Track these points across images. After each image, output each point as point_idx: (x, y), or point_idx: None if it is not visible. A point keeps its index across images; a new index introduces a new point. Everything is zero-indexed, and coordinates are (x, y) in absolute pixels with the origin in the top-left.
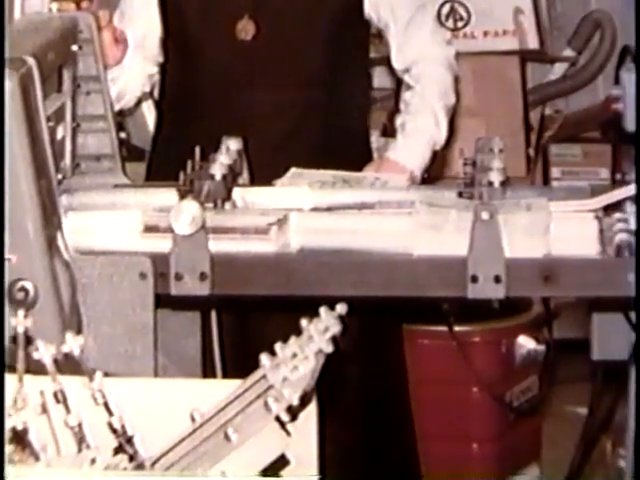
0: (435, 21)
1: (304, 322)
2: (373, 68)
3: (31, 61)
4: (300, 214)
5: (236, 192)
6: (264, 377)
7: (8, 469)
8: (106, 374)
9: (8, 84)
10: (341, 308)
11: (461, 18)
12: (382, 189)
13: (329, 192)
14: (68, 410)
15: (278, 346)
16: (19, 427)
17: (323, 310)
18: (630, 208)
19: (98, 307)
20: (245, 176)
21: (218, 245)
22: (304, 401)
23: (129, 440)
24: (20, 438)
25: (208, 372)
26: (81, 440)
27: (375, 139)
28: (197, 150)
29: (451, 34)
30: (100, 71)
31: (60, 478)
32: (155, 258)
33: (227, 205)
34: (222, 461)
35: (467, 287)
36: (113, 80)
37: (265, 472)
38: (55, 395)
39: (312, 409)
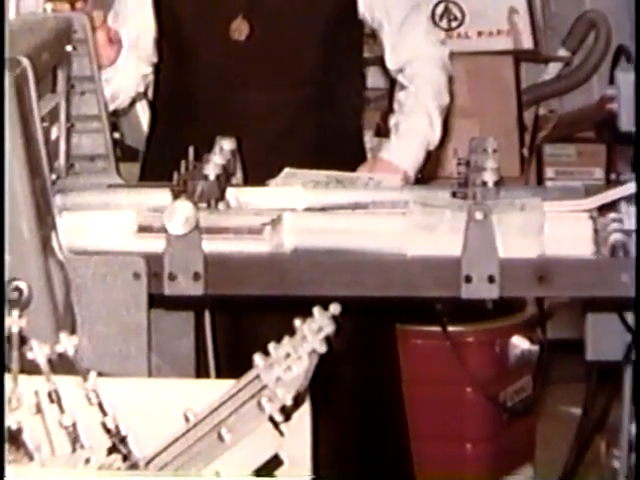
0: (429, 21)
1: (298, 322)
2: (367, 68)
3: (25, 61)
4: (294, 214)
5: (230, 192)
6: (258, 377)
7: (8, 469)
8: (100, 374)
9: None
10: (334, 308)
11: (455, 18)
12: (376, 189)
13: (323, 192)
14: (62, 410)
15: (272, 346)
16: (13, 427)
17: (316, 310)
18: (625, 208)
19: (92, 307)
20: (239, 176)
21: (212, 245)
22: (297, 401)
23: (123, 440)
24: (14, 438)
25: (202, 372)
26: (75, 440)
27: (369, 139)
28: (191, 150)
29: (445, 34)
30: (94, 71)
31: (55, 478)
32: (149, 258)
33: (221, 205)
34: (216, 461)
35: (461, 287)
36: (107, 80)
37: (259, 472)
38: (49, 395)
39: (305, 409)
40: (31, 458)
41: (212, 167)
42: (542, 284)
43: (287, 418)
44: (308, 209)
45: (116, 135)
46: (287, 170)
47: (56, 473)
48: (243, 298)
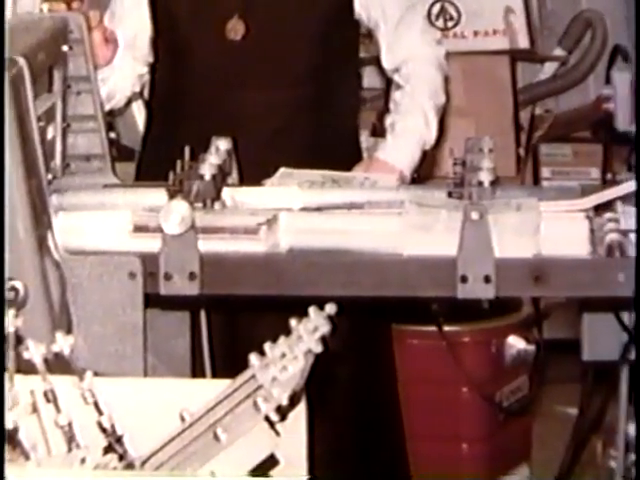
0: (425, 21)
1: (293, 322)
2: (363, 68)
3: (22, 61)
4: (289, 214)
5: (225, 192)
6: (253, 377)
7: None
8: (96, 374)
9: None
10: (330, 308)
11: (451, 18)
12: (371, 189)
13: (318, 192)
14: (58, 409)
15: (267, 346)
16: (9, 426)
17: (312, 310)
18: (621, 208)
19: (88, 307)
20: (234, 176)
21: (207, 245)
22: (293, 401)
23: (119, 439)
24: (10, 437)
25: (197, 372)
26: (71, 439)
27: (365, 139)
28: (187, 150)
29: (441, 34)
30: (90, 71)
31: (51, 477)
32: (144, 258)
33: (216, 205)
34: (211, 461)
35: (457, 287)
36: (103, 80)
37: (254, 472)
38: (45, 394)
39: (301, 409)
40: (27, 457)
41: (208, 167)
42: (538, 284)
43: (283, 418)
44: (304, 209)
45: (112, 135)
46: (283, 170)
47: (52, 473)
48: (239, 298)
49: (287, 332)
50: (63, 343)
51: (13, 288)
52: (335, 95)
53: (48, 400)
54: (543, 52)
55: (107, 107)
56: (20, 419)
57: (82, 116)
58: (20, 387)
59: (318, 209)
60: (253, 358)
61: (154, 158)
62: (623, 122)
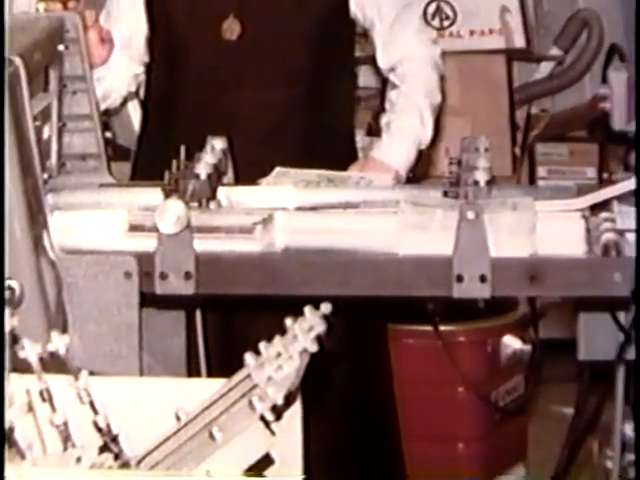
0: (421, 20)
1: (289, 321)
2: (358, 67)
3: (18, 61)
4: (285, 213)
5: (221, 191)
6: (249, 376)
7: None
8: (91, 373)
9: None
10: (325, 307)
11: (447, 17)
12: (367, 188)
13: (314, 191)
14: (54, 409)
15: (263, 345)
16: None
17: (308, 309)
18: (617, 207)
19: (83, 306)
20: (230, 175)
21: (203, 244)
22: (289, 400)
23: (114, 439)
24: (6, 436)
25: (193, 371)
26: (67, 439)
27: (360, 138)
28: (182, 149)
29: (437, 33)
30: (86, 71)
31: (46, 476)
32: (140, 257)
33: (212, 204)
34: (207, 460)
35: (452, 286)
36: (99, 80)
37: (250, 471)
38: (41, 394)
39: (297, 408)
40: (23, 457)
41: (203, 166)
42: (534, 284)
43: (278, 417)
44: (299, 208)
45: (108, 134)
46: (278, 169)
47: (47, 472)
48: (234, 297)
49: (282, 331)
50: (59, 342)
51: (9, 287)
52: (330, 94)
53: (44, 399)
54: (539, 51)
55: (103, 106)
56: (16, 418)
57: (78, 115)
58: (16, 386)
59: (313, 208)
60: (248, 357)
61: (150, 157)
62: (619, 121)
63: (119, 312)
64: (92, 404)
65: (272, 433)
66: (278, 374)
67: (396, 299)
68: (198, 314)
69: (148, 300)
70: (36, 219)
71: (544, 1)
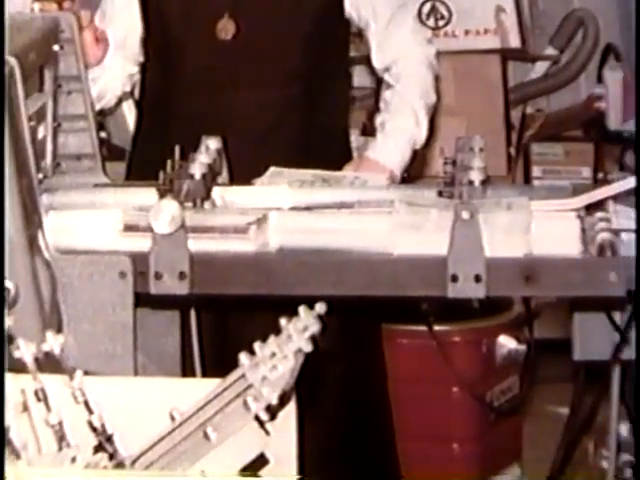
0: (416, 20)
1: (283, 321)
2: (353, 67)
3: (13, 61)
4: (279, 213)
5: (215, 191)
6: (243, 376)
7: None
8: (86, 373)
9: None
10: (320, 307)
11: (442, 17)
12: (362, 188)
13: (308, 191)
14: (49, 408)
15: (257, 345)
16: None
17: (302, 309)
18: (612, 207)
19: (78, 306)
20: (224, 175)
21: (197, 244)
22: (283, 400)
23: (109, 439)
24: None
25: (187, 371)
26: (61, 438)
27: (355, 138)
28: (177, 149)
29: (432, 33)
30: (81, 71)
31: (41, 476)
32: (135, 257)
33: (206, 204)
34: (201, 460)
35: (447, 286)
36: (94, 80)
37: (244, 471)
38: (36, 393)
39: (291, 408)
40: (18, 456)
41: (198, 166)
42: (529, 283)
43: (273, 417)
44: (294, 208)
45: (102, 134)
46: (273, 169)
47: (42, 472)
48: (229, 297)
49: (277, 331)
50: (53, 342)
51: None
52: (325, 94)
53: (39, 399)
54: (534, 51)
55: (98, 107)
56: (11, 418)
57: (73, 115)
58: (11, 386)
59: (308, 208)
60: (243, 357)
61: (144, 157)
62: (615, 121)
63: (114, 312)
64: (87, 404)
65: (267, 433)
66: (273, 374)
67: (390, 299)
68: (192, 314)
69: (142, 300)
70: (31, 219)
71: (539, 1)
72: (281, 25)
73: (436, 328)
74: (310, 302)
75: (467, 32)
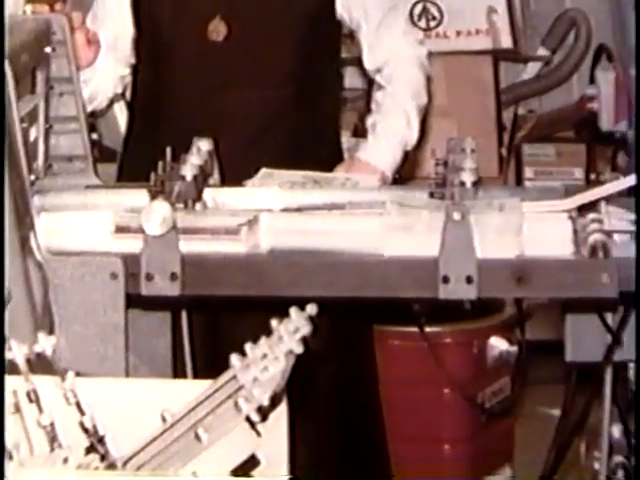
0: (407, 21)
1: (274, 322)
2: (344, 68)
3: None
4: (270, 215)
5: (207, 193)
6: (234, 377)
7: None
8: (78, 374)
9: None
10: (311, 309)
11: (434, 18)
12: (353, 190)
13: (299, 193)
14: (41, 409)
15: (248, 346)
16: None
17: (293, 311)
18: (604, 208)
19: (70, 307)
20: (216, 176)
21: (189, 245)
22: (274, 401)
23: (101, 440)
24: None
25: (178, 372)
26: (53, 439)
27: (346, 139)
28: (168, 151)
29: (423, 34)
30: (73, 73)
31: (32, 477)
32: (126, 258)
33: (198, 206)
34: (193, 461)
35: (438, 288)
36: (85, 81)
37: (236, 472)
38: (28, 394)
39: (282, 409)
40: (10, 457)
41: (189, 168)
42: (521, 285)
43: (264, 418)
44: (285, 210)
45: (94, 136)
46: (264, 170)
47: (34, 472)
48: (220, 298)
49: (268, 332)
50: (45, 343)
51: None
52: (316, 95)
53: (31, 400)
54: (526, 52)
55: (89, 108)
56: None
57: (64, 117)
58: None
59: (299, 210)
60: (234, 359)
61: (136, 159)
62: (607, 122)
63: (105, 313)
64: (78, 405)
65: (258, 434)
66: (264, 375)
67: (382, 300)
68: (184, 315)
69: (134, 301)
70: (23, 221)
71: (531, 1)
72: (272, 26)
73: (427, 329)
74: (301, 303)
75: (458, 33)
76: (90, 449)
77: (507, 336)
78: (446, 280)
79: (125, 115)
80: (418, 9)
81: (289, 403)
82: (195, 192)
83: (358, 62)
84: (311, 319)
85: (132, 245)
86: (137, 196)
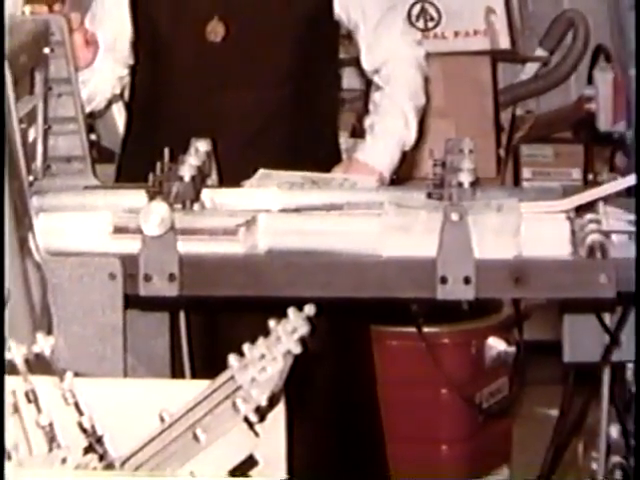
0: (405, 22)
1: (272, 323)
2: (342, 69)
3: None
4: (268, 215)
5: (205, 193)
6: (232, 378)
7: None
8: (76, 374)
9: None
10: (309, 309)
11: (432, 18)
12: (351, 190)
13: (297, 193)
14: (39, 410)
15: (246, 347)
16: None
17: (291, 311)
18: (602, 209)
19: (68, 308)
20: (214, 177)
21: (187, 246)
22: (272, 402)
23: (99, 440)
24: None
25: (177, 373)
26: (52, 440)
27: (344, 140)
28: (166, 151)
29: (421, 34)
30: (71, 73)
31: (31, 477)
32: (124, 259)
33: (196, 206)
34: (191, 461)
35: (436, 288)
36: (84, 82)
37: (234, 472)
38: (26, 395)
39: (280, 410)
40: (9, 457)
41: (187, 168)
42: (518, 285)
43: (262, 419)
44: (283, 210)
45: (92, 137)
46: (262, 171)
47: (33, 473)
48: (218, 299)
49: (266, 333)
50: (44, 344)
51: None
52: (315, 96)
53: (29, 400)
54: (524, 52)
55: (88, 109)
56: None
57: (63, 118)
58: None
59: (297, 210)
60: (232, 359)
61: (134, 160)
62: (605, 122)
63: (103, 313)
64: (77, 405)
65: (256, 434)
66: (262, 376)
67: (380, 300)
68: (182, 316)
69: (132, 302)
70: (21, 221)
71: (529, 2)
72: (270, 27)
73: (425, 330)
74: (299, 304)
75: (457, 33)
76: (88, 449)
77: (505, 336)
78: (444, 280)
79: (123, 116)
80: (416, 10)
81: (287, 403)
82: (193, 193)
83: (356, 63)
84: (309, 319)
85: (130, 246)
86: (135, 197)
